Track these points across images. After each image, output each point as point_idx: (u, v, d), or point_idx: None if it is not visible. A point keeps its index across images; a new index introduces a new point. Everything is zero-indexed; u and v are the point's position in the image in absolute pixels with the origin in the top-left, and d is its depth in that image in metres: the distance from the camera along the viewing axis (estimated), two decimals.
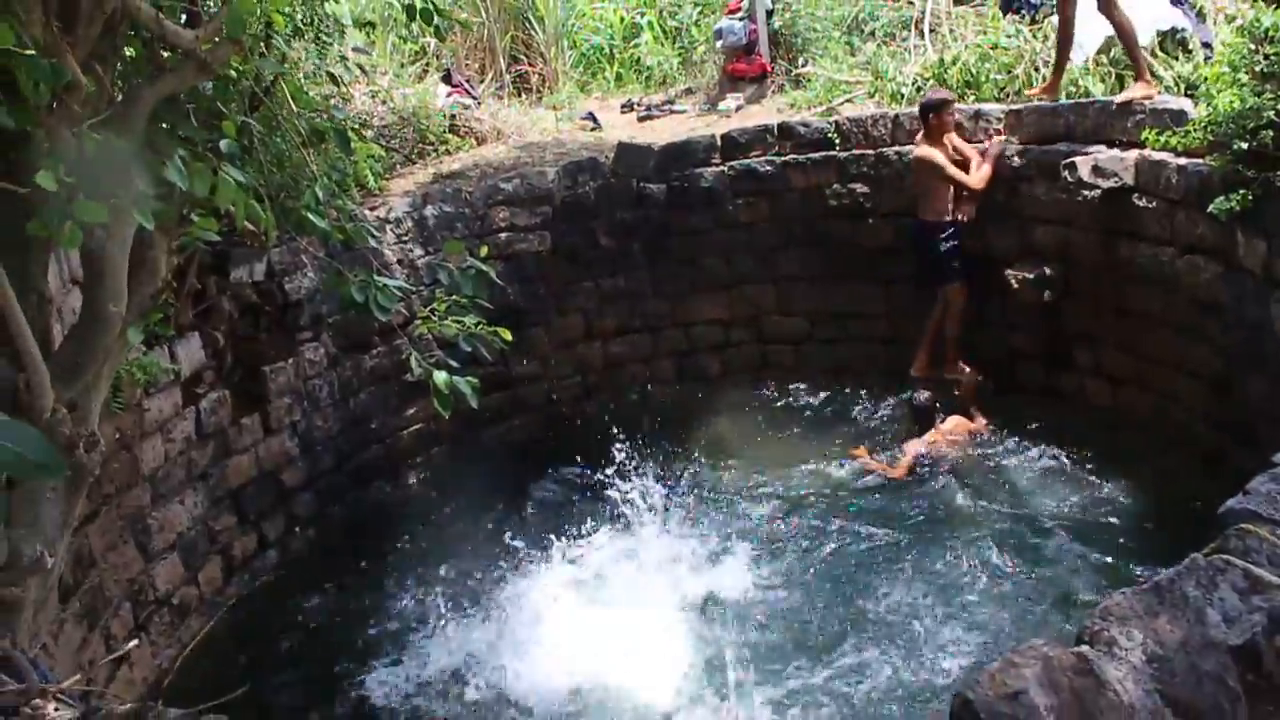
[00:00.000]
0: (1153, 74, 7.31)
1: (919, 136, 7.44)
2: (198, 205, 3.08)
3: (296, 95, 6.43)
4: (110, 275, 2.83)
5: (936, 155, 7.22)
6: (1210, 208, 5.71)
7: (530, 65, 12.36)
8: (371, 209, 7.76)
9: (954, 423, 7.53)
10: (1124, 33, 6.64)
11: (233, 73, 3.17)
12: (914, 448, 7.40)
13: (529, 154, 9.20)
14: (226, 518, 6.56)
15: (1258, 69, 5.42)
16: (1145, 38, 7.47)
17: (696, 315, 8.79)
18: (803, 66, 9.92)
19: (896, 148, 7.98)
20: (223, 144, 3.03)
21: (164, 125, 2.85)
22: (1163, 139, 6.27)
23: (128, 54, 3.18)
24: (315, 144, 4.03)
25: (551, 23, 12.39)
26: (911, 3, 9.98)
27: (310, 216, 3.97)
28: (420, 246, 7.85)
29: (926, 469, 7.22)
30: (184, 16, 3.28)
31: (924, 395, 7.60)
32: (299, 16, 6.57)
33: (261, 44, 2.95)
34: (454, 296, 4.57)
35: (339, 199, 3.64)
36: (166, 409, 6.07)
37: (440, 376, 4.13)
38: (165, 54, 3.04)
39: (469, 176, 8.59)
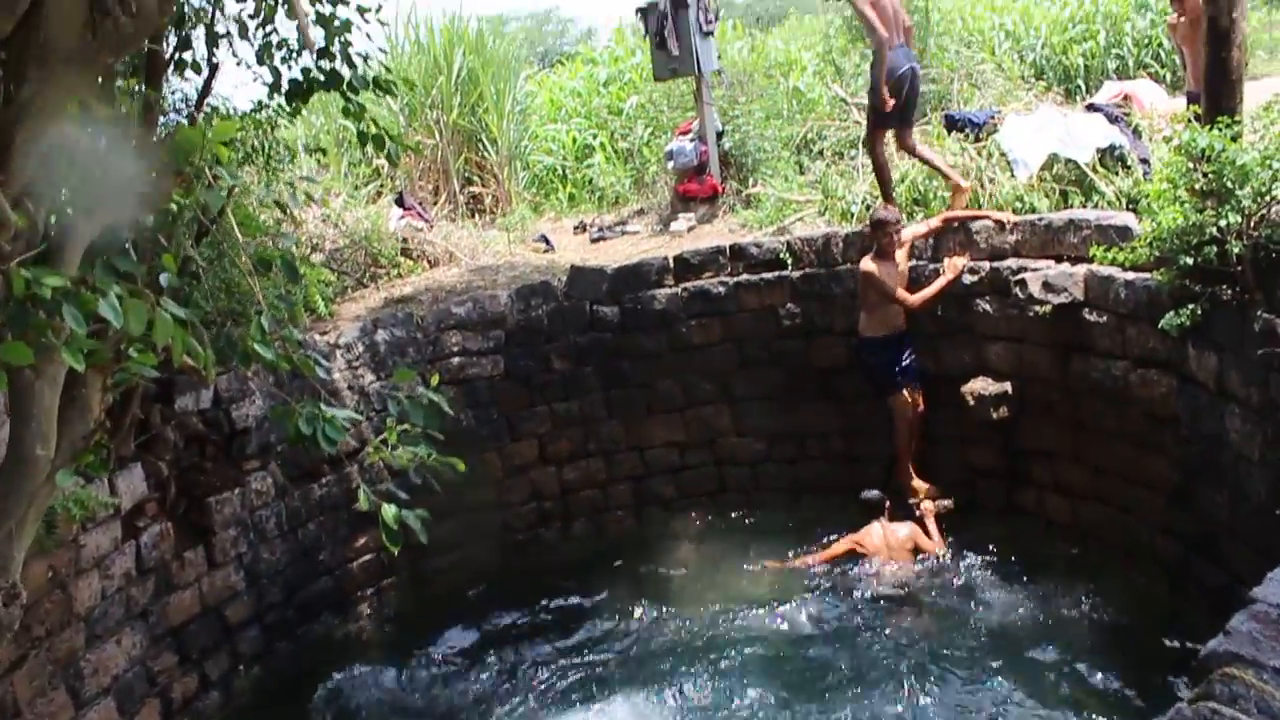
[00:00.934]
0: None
1: (869, 255, 7.43)
2: (135, 340, 2.96)
3: (246, 221, 6.43)
4: (38, 416, 2.69)
5: (875, 270, 7.31)
6: (1161, 323, 5.74)
7: (483, 186, 12.50)
8: (322, 334, 7.69)
9: (908, 531, 7.43)
10: (879, 168, 7.86)
11: (174, 205, 3.06)
12: (850, 538, 7.39)
13: (482, 277, 9.18)
14: (166, 657, 6.27)
15: (1197, 186, 5.49)
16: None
17: (652, 439, 8.67)
18: (753, 186, 9.96)
19: (848, 266, 8.02)
20: (163, 278, 2.92)
21: (102, 259, 2.72)
22: (1110, 255, 6.30)
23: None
24: (262, 272, 3.92)
25: (504, 144, 12.58)
26: (858, 122, 10.02)
27: (257, 347, 3.84)
28: (371, 372, 7.73)
29: (877, 590, 7.07)
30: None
31: (874, 492, 7.57)
32: (249, 142, 6.56)
33: (207, 173, 2.85)
34: (404, 425, 4.37)
35: (286, 328, 3.47)
36: (105, 544, 5.84)
37: (389, 511, 3.95)
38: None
39: (421, 300, 8.55)
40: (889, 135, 7.96)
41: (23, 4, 2.40)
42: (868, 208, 8.51)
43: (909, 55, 7.75)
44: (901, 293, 7.32)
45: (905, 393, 7.49)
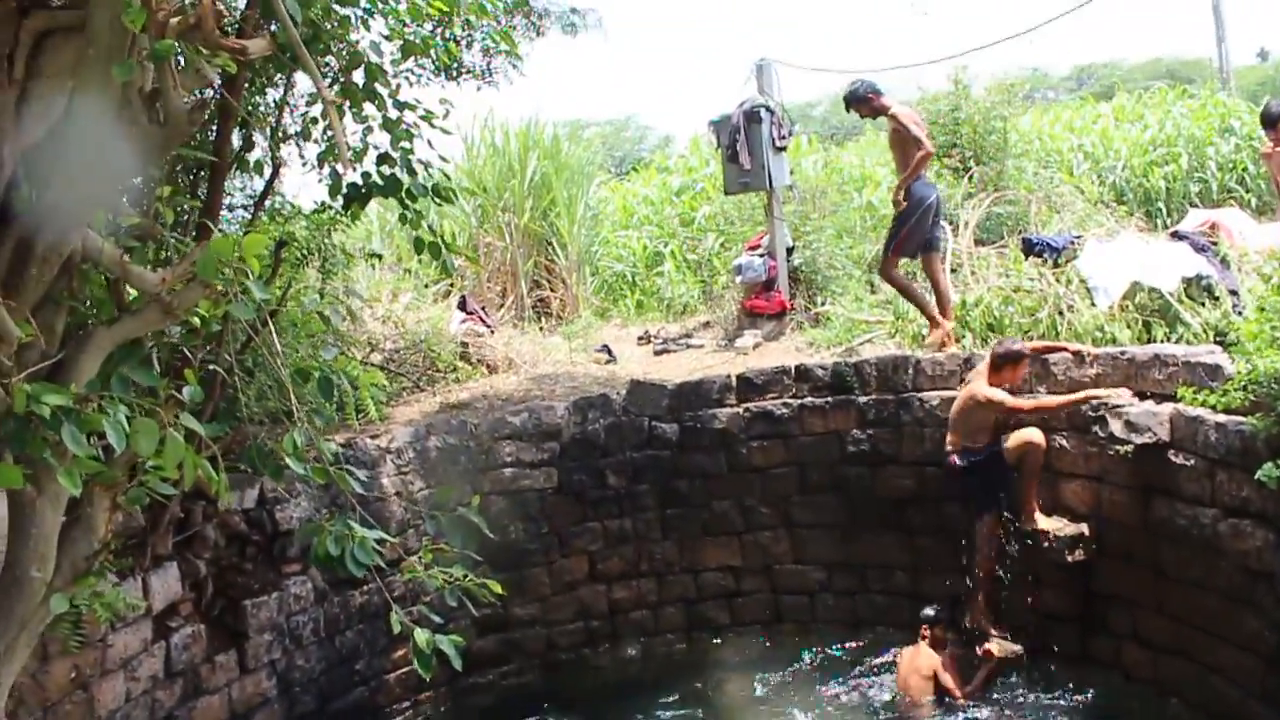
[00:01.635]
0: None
1: (981, 377, 7.05)
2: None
3: (302, 324, 6.34)
4: (37, 536, 2.52)
5: (994, 394, 6.90)
6: (1258, 474, 5.34)
7: (551, 290, 12.56)
8: (373, 437, 7.52)
9: (932, 663, 7.01)
10: (906, 291, 8.20)
11: (197, 319, 2.92)
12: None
13: (540, 386, 9.08)
14: None
15: None
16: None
17: (706, 561, 8.38)
18: (822, 304, 9.93)
19: (919, 395, 7.76)
20: (185, 391, 2.76)
21: (119, 371, 2.57)
22: (1200, 397, 5.97)
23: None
24: (300, 384, 3.77)
25: (574, 249, 12.66)
26: None
27: (289, 461, 3.68)
28: (421, 479, 7.57)
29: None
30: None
31: (932, 609, 7.24)
32: (309, 243, 6.52)
33: (235, 286, 2.70)
34: (441, 545, 4.22)
35: (319, 441, 3.30)
36: (134, 644, 5.69)
37: (421, 636, 3.70)
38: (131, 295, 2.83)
39: (477, 407, 8.42)
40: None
41: None
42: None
43: (931, 184, 8.10)
44: (1020, 402, 6.89)
45: (994, 519, 7.11)
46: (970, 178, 10.74)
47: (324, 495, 6.73)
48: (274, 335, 3.66)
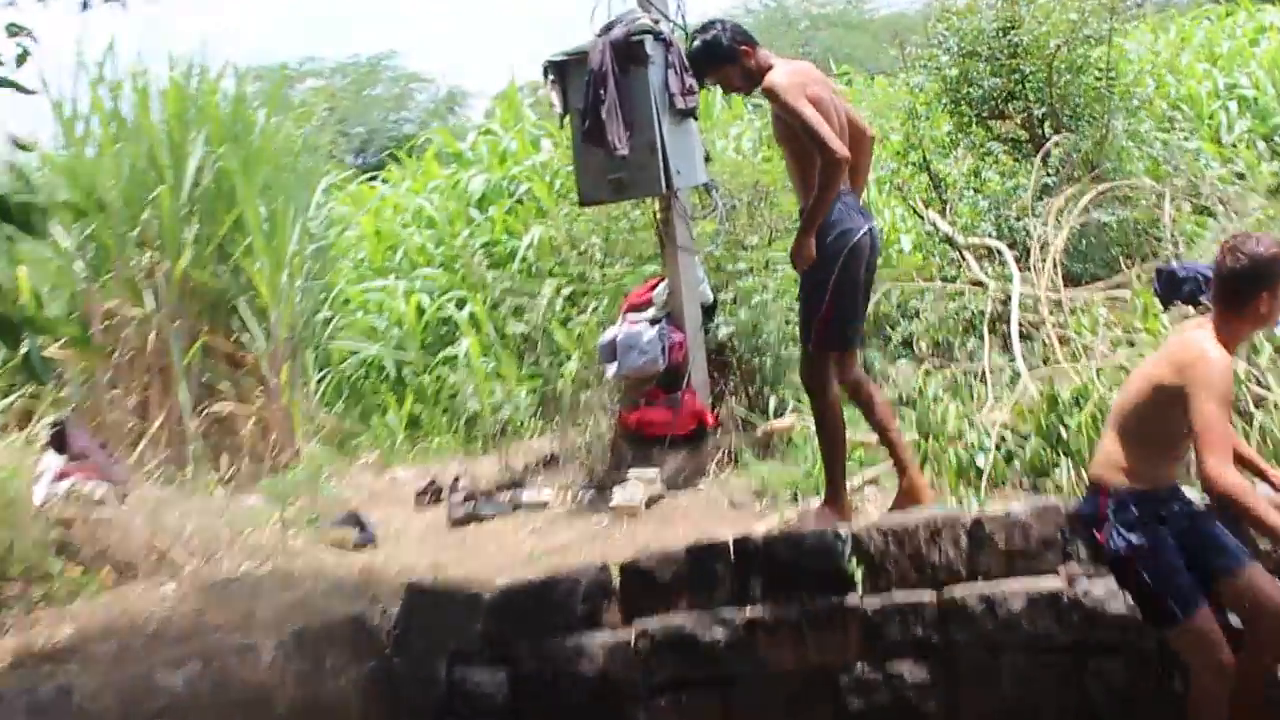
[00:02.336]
0: None
1: (1198, 325, 6.17)
2: None
3: None
4: None
5: (1215, 354, 5.97)
6: None
7: (240, 400, 11.86)
8: None
9: None
10: (830, 426, 7.62)
11: None
12: None
13: (223, 603, 8.01)
14: None
15: None
16: None
17: None
18: (779, 412, 9.44)
19: (979, 586, 6.92)
20: None
21: None
22: None
23: None
24: None
25: (284, 318, 11.94)
26: (979, 283, 9.78)
27: None
28: None
29: None
30: None
31: None
32: None
33: None
34: None
35: None
36: None
37: None
38: None
39: (93, 656, 7.35)
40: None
41: None
42: (1010, 459, 8.02)
43: (861, 208, 7.71)
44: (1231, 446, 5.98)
45: (1200, 621, 6.16)
46: (1044, 158, 10.59)
47: None
48: None
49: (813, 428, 8.31)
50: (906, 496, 7.68)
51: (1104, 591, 7.05)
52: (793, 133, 7.38)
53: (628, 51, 9.18)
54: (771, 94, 7.36)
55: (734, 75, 7.62)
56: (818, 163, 7.29)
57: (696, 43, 7.78)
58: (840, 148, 7.32)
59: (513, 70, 28.39)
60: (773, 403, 9.55)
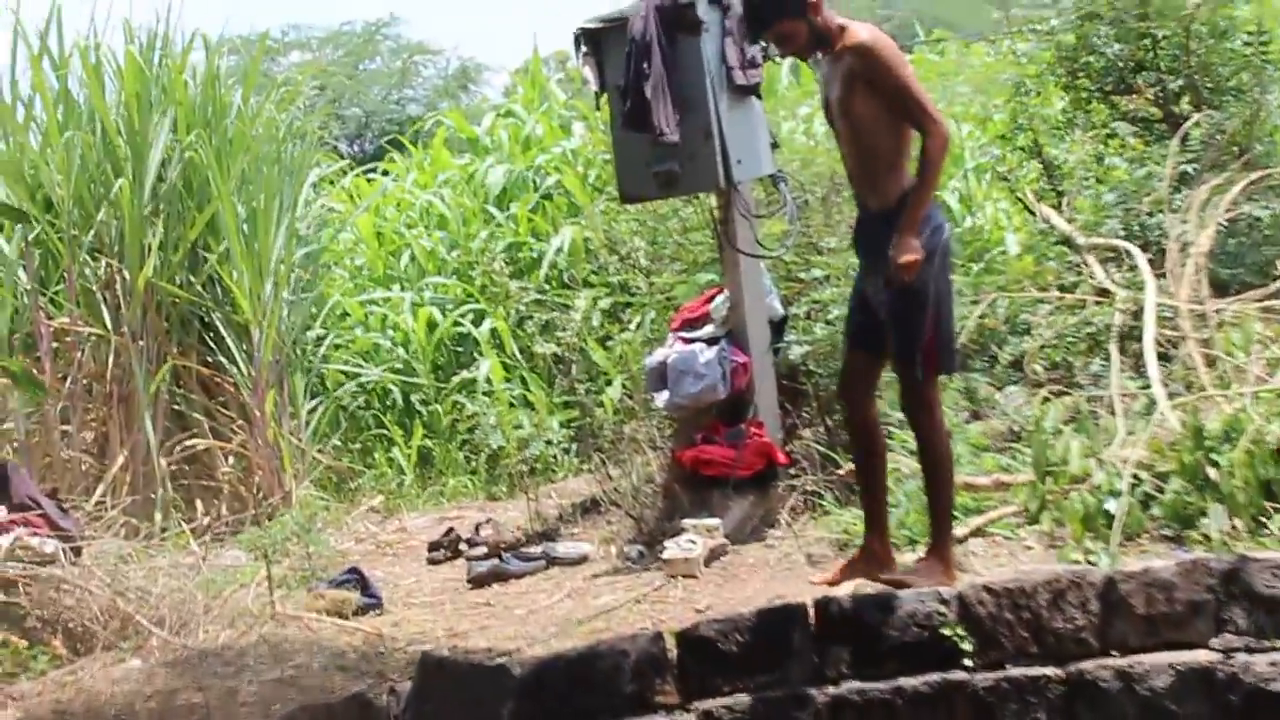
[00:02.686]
0: None
1: None
2: None
3: None
4: None
5: None
6: None
7: (219, 437, 11.95)
8: None
9: None
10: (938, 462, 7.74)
11: None
12: None
13: (195, 681, 8.06)
14: None
15: None
16: None
17: None
18: None
19: (1114, 659, 6.79)
20: None
21: None
22: None
23: None
24: None
25: (268, 337, 11.95)
26: (1100, 297, 9.72)
27: None
28: None
29: None
30: None
31: None
32: None
33: None
34: None
35: None
36: None
37: None
38: None
39: None
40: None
41: None
42: (1148, 506, 8.00)
43: (938, 205, 8.04)
44: None
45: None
46: (1182, 141, 10.46)
47: None
48: None
49: (907, 466, 8.51)
50: (869, 564, 7.67)
51: (1267, 667, 6.91)
52: (872, 107, 7.27)
53: (677, 17, 9.12)
54: (868, 53, 7.20)
55: (801, 32, 7.40)
56: (898, 145, 7.29)
57: None
58: (945, 124, 7.34)
59: (536, 39, 28.30)
60: None
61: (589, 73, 9.78)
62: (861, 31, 7.39)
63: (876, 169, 7.48)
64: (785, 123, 13.38)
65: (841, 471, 9.23)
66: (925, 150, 7.26)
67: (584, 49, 9.69)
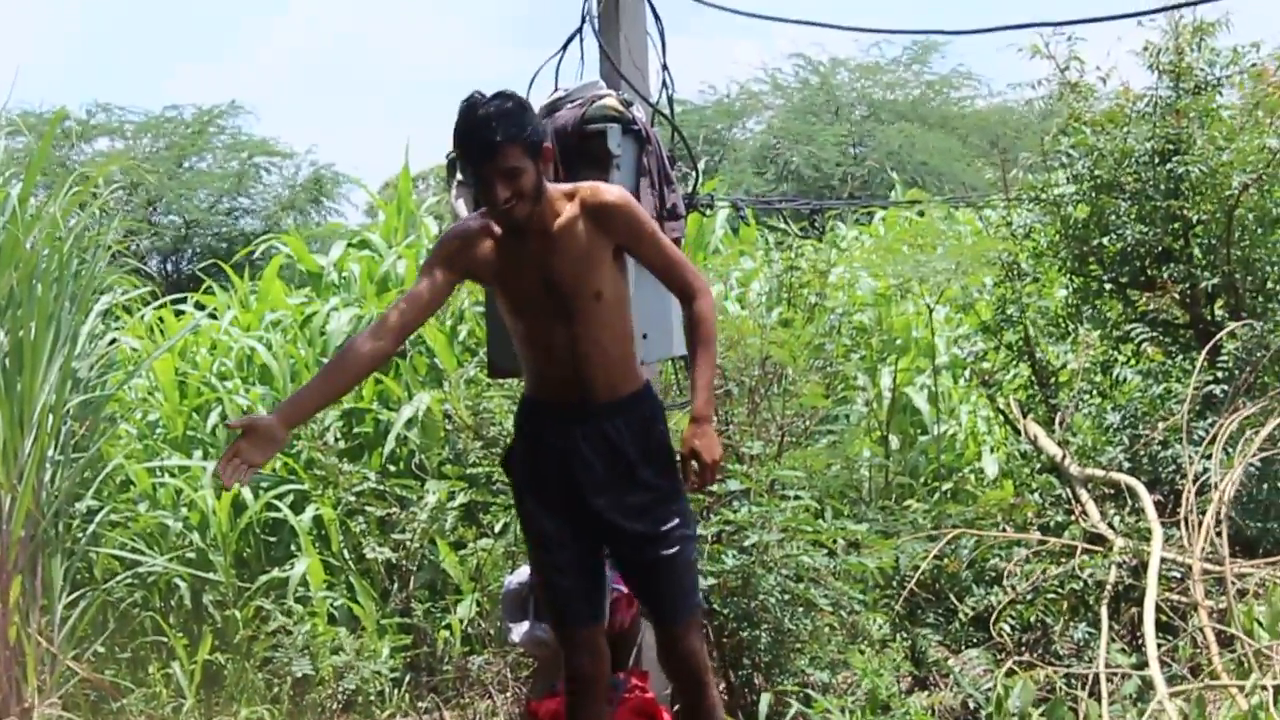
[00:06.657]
0: None
1: None
2: None
3: None
4: None
5: None
6: None
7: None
8: None
9: None
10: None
11: None
12: None
13: None
14: None
15: None
16: None
17: None
18: (778, 714, 10.16)
19: None
20: None
21: None
22: None
23: None
24: None
25: (23, 502, 12.16)
26: (1099, 543, 9.98)
27: None
28: None
29: None
30: None
31: None
32: None
33: None
34: None
35: None
36: None
37: None
38: None
39: None
40: None
41: None
42: None
43: None
44: None
45: None
46: (1212, 355, 10.98)
47: None
48: None
49: None
50: None
51: None
52: (614, 274, 7.56)
53: (581, 147, 9.12)
54: (622, 209, 7.46)
55: (529, 174, 7.32)
56: (629, 323, 7.68)
57: (509, 104, 7.43)
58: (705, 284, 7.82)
59: (408, 151, 28.22)
60: (766, 701, 9.64)
61: (462, 208, 9.52)
62: (610, 191, 7.67)
63: (616, 350, 7.72)
64: (714, 286, 13.71)
65: None
66: (698, 312, 7.63)
67: (458, 178, 9.55)
